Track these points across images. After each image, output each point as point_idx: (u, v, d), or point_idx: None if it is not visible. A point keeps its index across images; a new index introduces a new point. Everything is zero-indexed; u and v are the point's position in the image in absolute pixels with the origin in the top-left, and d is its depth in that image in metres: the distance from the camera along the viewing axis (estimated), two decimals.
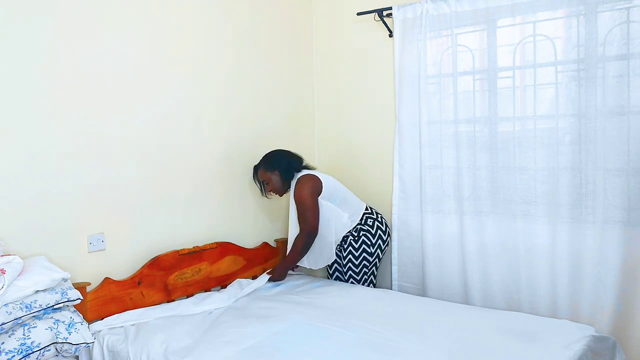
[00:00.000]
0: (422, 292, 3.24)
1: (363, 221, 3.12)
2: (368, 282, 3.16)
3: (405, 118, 3.26)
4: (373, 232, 3.12)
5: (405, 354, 2.04)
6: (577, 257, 2.73)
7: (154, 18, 2.77)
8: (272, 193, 3.19)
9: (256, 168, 3.17)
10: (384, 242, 3.17)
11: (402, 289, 3.32)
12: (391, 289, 3.34)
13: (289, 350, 2.09)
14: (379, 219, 3.19)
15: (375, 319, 2.42)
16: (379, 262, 3.20)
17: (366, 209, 3.18)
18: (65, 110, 2.41)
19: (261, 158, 3.16)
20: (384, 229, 3.18)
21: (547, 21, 2.78)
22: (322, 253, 3.07)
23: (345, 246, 3.11)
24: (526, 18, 2.83)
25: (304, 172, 3.09)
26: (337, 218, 3.04)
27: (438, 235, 3.17)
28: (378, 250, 3.14)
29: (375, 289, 2.99)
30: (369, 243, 3.11)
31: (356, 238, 3.10)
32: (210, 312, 2.60)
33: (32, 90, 2.30)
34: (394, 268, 3.36)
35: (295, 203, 3.03)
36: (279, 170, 3.08)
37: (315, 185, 3.01)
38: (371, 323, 2.36)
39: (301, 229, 3.03)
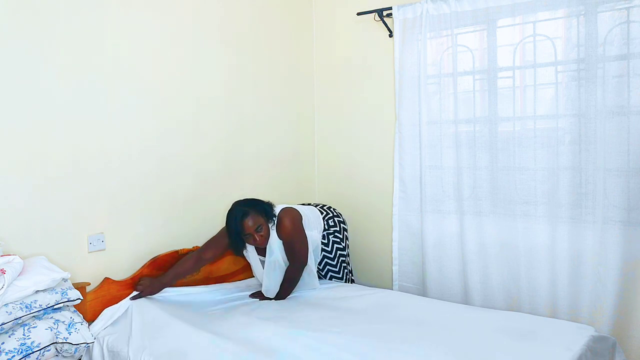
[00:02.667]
0: (422, 292, 3.24)
1: (327, 225, 3.11)
2: (348, 276, 3.17)
3: (405, 118, 3.26)
4: (338, 228, 3.14)
5: (405, 354, 2.04)
6: (577, 257, 2.73)
7: (154, 20, 2.77)
8: (252, 245, 2.76)
9: (245, 213, 2.64)
10: (346, 230, 3.22)
11: (402, 289, 3.32)
12: (391, 289, 3.34)
13: (288, 352, 2.08)
14: (333, 212, 3.20)
15: (375, 319, 2.42)
16: (349, 249, 3.23)
17: (320, 211, 3.13)
18: (65, 110, 2.41)
19: (240, 204, 2.71)
20: (341, 219, 3.21)
21: (547, 21, 2.78)
22: (304, 281, 2.94)
23: (318, 252, 3.07)
24: (526, 18, 2.83)
25: (278, 208, 2.83)
26: (312, 239, 2.94)
27: (438, 235, 3.17)
28: (347, 241, 3.19)
29: (375, 288, 2.99)
30: (338, 239, 3.13)
31: (326, 242, 3.10)
32: (212, 312, 2.59)
33: (32, 91, 2.30)
34: (394, 268, 3.36)
35: (286, 240, 2.78)
36: (272, 216, 2.75)
37: (299, 217, 2.86)
38: (371, 323, 2.36)
39: (294, 262, 2.81)
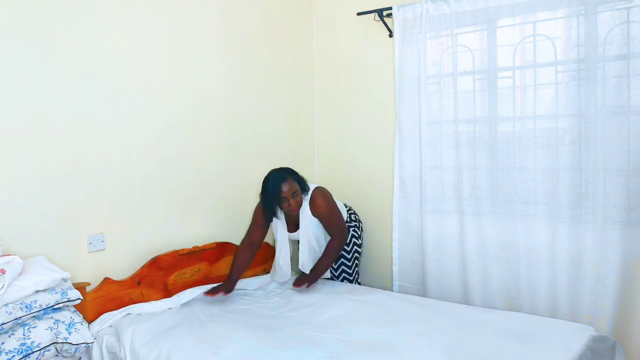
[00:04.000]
0: (422, 292, 3.24)
1: (349, 219, 3.21)
2: (355, 277, 3.24)
3: (405, 118, 3.26)
4: (357, 224, 3.25)
5: (405, 354, 2.04)
6: (577, 257, 2.73)
7: (154, 19, 2.77)
8: (289, 210, 2.87)
9: (284, 178, 2.81)
10: (362, 230, 3.34)
11: (402, 289, 3.32)
12: (391, 289, 3.35)
13: (288, 355, 2.08)
14: (354, 211, 3.34)
15: (375, 320, 2.42)
16: (362, 249, 3.34)
17: (344, 205, 3.28)
18: (66, 110, 2.41)
19: (278, 170, 2.88)
20: (360, 218, 3.36)
21: (547, 21, 2.78)
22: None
23: None
24: (526, 18, 2.83)
25: (311, 186, 3.00)
26: None
27: (438, 235, 3.17)
28: (362, 240, 3.29)
29: (374, 289, 3.00)
30: (357, 235, 3.22)
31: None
32: (213, 316, 2.57)
33: (32, 90, 2.30)
34: (394, 268, 3.36)
35: (323, 215, 2.96)
36: (305, 188, 2.93)
37: (330, 194, 3.05)
38: (371, 324, 2.37)
39: (336, 236, 3.02)
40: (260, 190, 2.88)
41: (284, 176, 2.82)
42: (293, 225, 3.02)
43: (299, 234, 3.00)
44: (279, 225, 3.03)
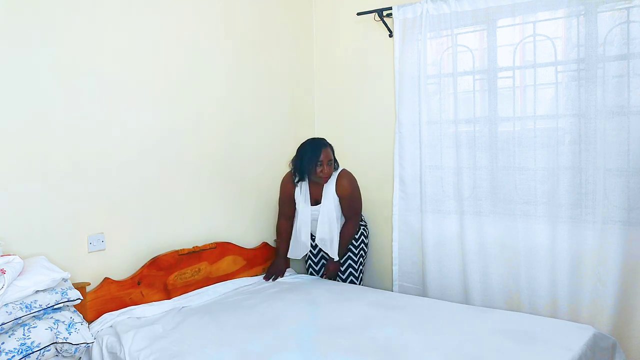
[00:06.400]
0: (422, 292, 3.24)
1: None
2: (361, 276, 3.28)
3: (405, 118, 3.26)
4: (365, 225, 3.33)
5: (404, 354, 2.04)
6: (577, 257, 2.73)
7: (154, 19, 2.76)
8: (320, 175, 3.02)
9: (324, 145, 3.03)
10: (368, 232, 3.41)
11: (402, 289, 3.32)
12: (391, 290, 3.35)
13: (288, 356, 2.07)
14: (362, 214, 3.38)
15: (375, 320, 2.42)
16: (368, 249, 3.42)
17: None
18: (65, 110, 2.41)
19: (319, 138, 3.11)
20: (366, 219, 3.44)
21: (547, 21, 2.78)
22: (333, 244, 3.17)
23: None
24: (526, 18, 2.83)
25: (340, 167, 3.17)
26: None
27: (438, 235, 3.17)
28: (368, 240, 3.37)
29: (374, 289, 3.00)
30: (366, 234, 3.30)
31: (356, 233, 3.23)
32: (213, 316, 2.57)
33: (32, 91, 2.30)
34: (394, 268, 3.36)
35: (346, 196, 3.09)
36: (337, 165, 3.14)
37: (355, 178, 3.18)
38: (370, 324, 2.36)
39: (353, 218, 3.16)
40: (295, 155, 3.06)
41: (325, 143, 3.03)
42: (313, 200, 3.14)
43: (320, 208, 3.09)
44: (301, 198, 3.12)
